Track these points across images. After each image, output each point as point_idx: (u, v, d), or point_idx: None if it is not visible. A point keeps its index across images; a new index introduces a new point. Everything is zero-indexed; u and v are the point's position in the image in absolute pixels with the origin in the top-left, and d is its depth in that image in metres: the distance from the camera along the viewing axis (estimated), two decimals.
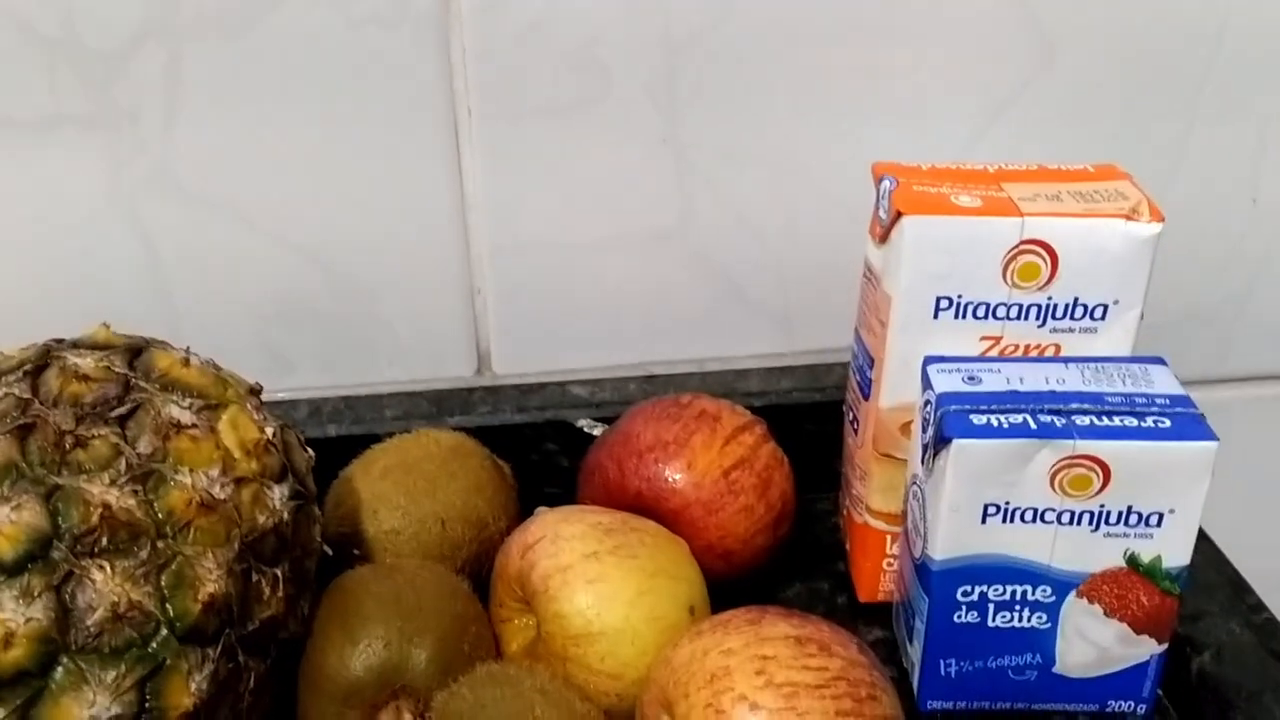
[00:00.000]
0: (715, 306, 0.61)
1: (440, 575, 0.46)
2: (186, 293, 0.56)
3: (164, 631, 0.36)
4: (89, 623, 0.35)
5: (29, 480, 0.37)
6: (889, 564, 0.52)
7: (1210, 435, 0.41)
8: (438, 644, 0.42)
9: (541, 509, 0.48)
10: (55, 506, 0.36)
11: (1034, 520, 0.43)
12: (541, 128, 0.55)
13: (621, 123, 0.56)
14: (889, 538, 0.51)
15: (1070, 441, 0.41)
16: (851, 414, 0.53)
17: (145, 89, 0.52)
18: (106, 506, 0.37)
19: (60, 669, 0.35)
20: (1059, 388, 0.44)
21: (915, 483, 0.46)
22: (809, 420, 0.58)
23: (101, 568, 0.36)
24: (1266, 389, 0.67)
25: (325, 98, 0.53)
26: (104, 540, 0.36)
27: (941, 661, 0.46)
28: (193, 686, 0.37)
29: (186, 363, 0.43)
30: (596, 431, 0.58)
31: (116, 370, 0.41)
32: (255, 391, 0.45)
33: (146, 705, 0.36)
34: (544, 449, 0.58)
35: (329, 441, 0.55)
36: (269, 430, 0.43)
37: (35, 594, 0.35)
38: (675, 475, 0.49)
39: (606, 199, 0.58)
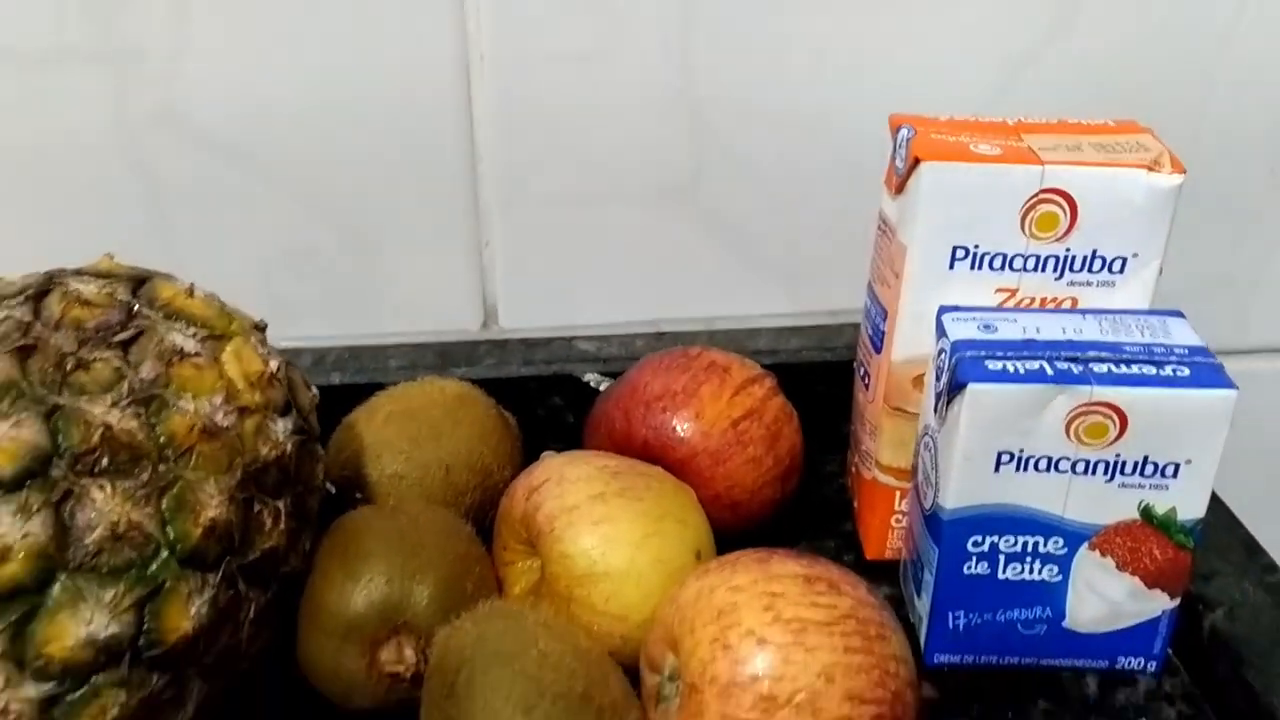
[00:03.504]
0: (725, 265, 0.60)
1: (443, 516, 0.45)
2: (189, 235, 0.56)
3: (164, 554, 0.36)
4: (88, 541, 0.35)
5: (29, 399, 0.36)
6: (897, 520, 0.51)
7: (1229, 384, 0.41)
8: (440, 583, 0.42)
9: (548, 453, 0.48)
10: (55, 425, 0.36)
11: (1048, 469, 0.42)
12: (554, 77, 0.55)
13: (636, 76, 0.55)
14: (898, 494, 0.51)
15: (1087, 388, 0.41)
16: (863, 369, 0.52)
17: (152, 23, 0.51)
18: (107, 427, 0.36)
19: (58, 586, 0.34)
20: (1076, 337, 0.43)
21: (927, 433, 0.45)
22: (819, 381, 0.58)
23: (102, 487, 0.35)
24: None
25: (335, 39, 0.53)
26: (104, 461, 0.36)
27: (950, 614, 0.45)
28: (192, 610, 0.36)
29: (190, 294, 0.42)
30: (603, 387, 0.57)
31: (119, 298, 0.41)
32: (260, 328, 0.44)
33: (145, 627, 0.35)
34: (550, 403, 0.58)
35: (333, 389, 0.55)
36: (273, 364, 0.42)
37: (33, 510, 0.34)
38: (683, 425, 0.49)
39: (618, 153, 0.57)
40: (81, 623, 0.34)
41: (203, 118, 0.54)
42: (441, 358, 0.58)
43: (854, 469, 0.54)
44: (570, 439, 0.55)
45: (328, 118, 0.54)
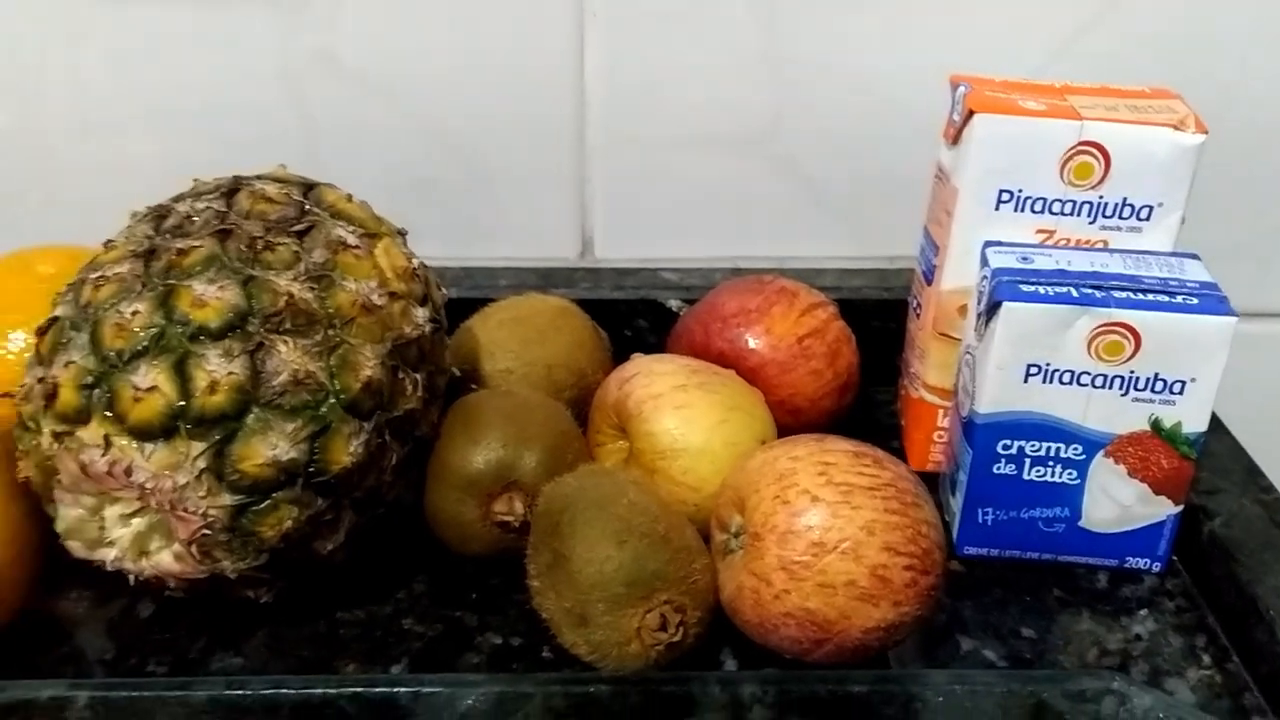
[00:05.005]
0: (797, 209, 0.67)
1: (547, 401, 0.53)
2: (332, 163, 0.64)
3: (331, 400, 0.44)
4: (274, 383, 0.43)
5: (229, 270, 0.45)
6: (939, 436, 0.58)
7: (1230, 312, 0.47)
8: (544, 451, 0.50)
9: (636, 354, 0.55)
10: (250, 291, 0.44)
11: (1071, 382, 0.49)
12: (654, 34, 0.62)
13: (725, 35, 0.62)
14: (940, 411, 0.58)
15: (1107, 310, 0.47)
16: (915, 301, 0.59)
17: None
18: (290, 296, 0.44)
19: (251, 415, 0.43)
20: (1102, 269, 0.49)
21: (968, 351, 0.52)
22: (876, 316, 0.64)
23: (285, 342, 0.44)
24: None
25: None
26: (287, 323, 0.44)
27: (979, 510, 0.52)
28: (351, 448, 0.44)
29: (349, 199, 0.51)
30: (683, 312, 0.65)
31: (294, 197, 0.49)
32: (402, 233, 0.52)
33: (314, 456, 0.44)
34: (635, 325, 0.65)
35: (450, 302, 0.63)
36: (414, 261, 0.51)
37: (234, 355, 0.43)
38: (755, 338, 0.56)
39: (706, 104, 0.64)
40: (269, 446, 0.43)
41: (353, 59, 0.62)
42: (543, 280, 0.65)
43: (903, 391, 0.61)
44: None
45: (457, 64, 0.62)
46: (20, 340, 0.52)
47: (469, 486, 0.49)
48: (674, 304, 0.65)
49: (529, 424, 0.50)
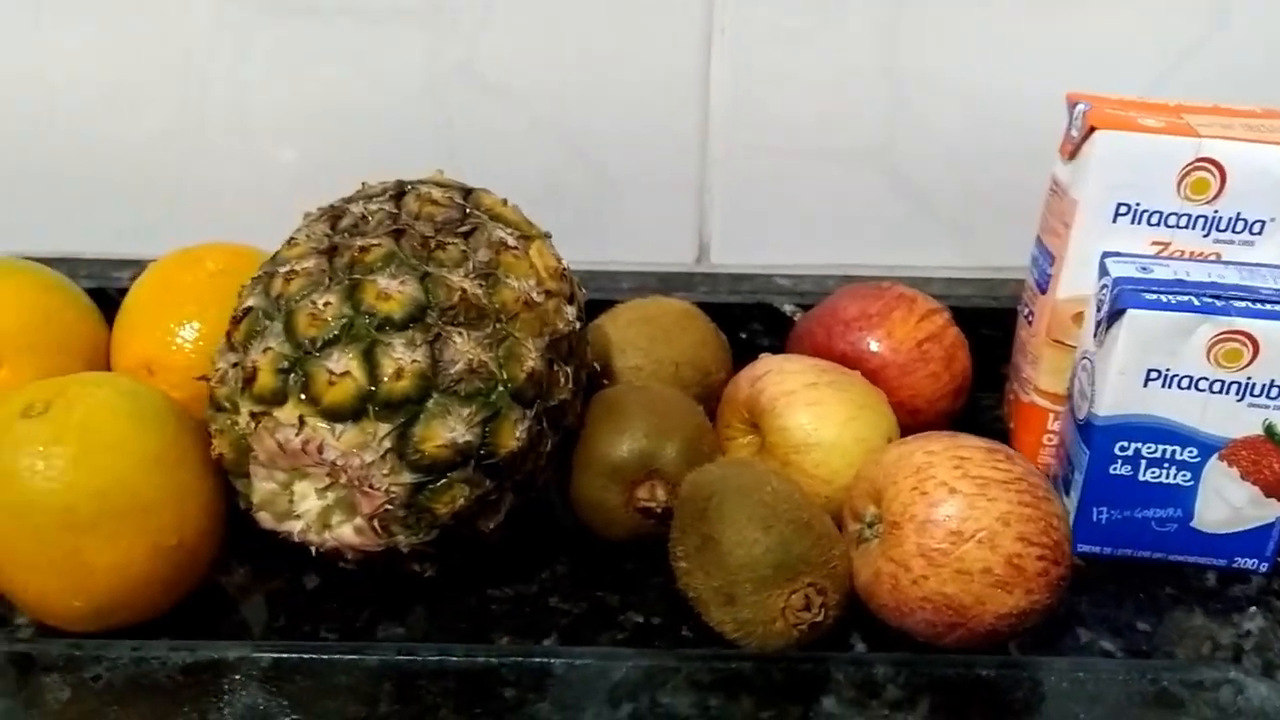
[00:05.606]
0: (906, 220, 0.70)
1: (682, 396, 0.56)
2: (473, 171, 0.68)
3: (500, 388, 0.48)
4: (451, 372, 0.47)
5: (407, 266, 0.48)
6: (1048, 439, 0.61)
7: None
8: (683, 442, 0.53)
9: (764, 354, 0.58)
10: (426, 286, 0.48)
11: (1189, 387, 0.51)
12: (778, 50, 0.65)
13: (846, 51, 0.65)
14: (1051, 415, 0.60)
15: (1228, 318, 0.50)
16: (1027, 309, 0.61)
17: None
18: (463, 291, 0.48)
19: (432, 400, 0.46)
20: (1220, 280, 0.52)
21: (1085, 357, 0.55)
22: (984, 324, 0.67)
23: (460, 334, 0.47)
24: None
25: (604, 10, 0.64)
26: (461, 316, 0.48)
27: (1095, 509, 0.55)
28: (517, 433, 0.48)
29: (504, 203, 0.54)
30: (796, 316, 0.68)
31: (456, 200, 0.53)
32: (547, 236, 0.56)
33: (485, 440, 0.47)
34: (750, 328, 0.68)
35: None
36: (564, 263, 0.54)
37: (416, 344, 0.46)
38: (876, 342, 0.59)
39: (824, 118, 0.67)
40: (447, 429, 0.46)
41: (493, 72, 0.66)
42: (663, 283, 0.69)
43: (1012, 396, 0.64)
44: None
45: (589, 77, 0.66)
46: (194, 330, 0.56)
47: (613, 474, 0.52)
48: (788, 308, 0.68)
49: (669, 416, 0.54)
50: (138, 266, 0.66)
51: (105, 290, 0.62)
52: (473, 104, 0.67)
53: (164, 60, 0.66)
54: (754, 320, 0.68)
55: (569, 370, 0.52)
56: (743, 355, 0.66)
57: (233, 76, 0.67)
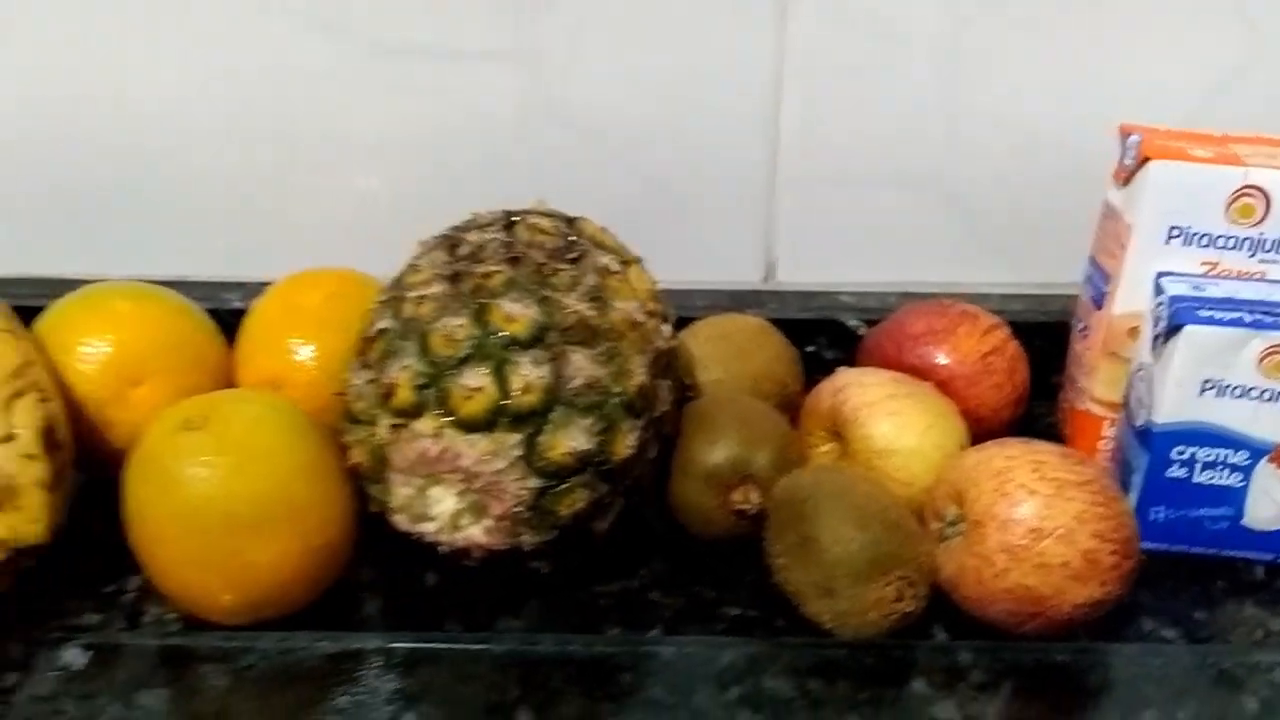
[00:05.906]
0: (961, 241, 0.74)
1: (769, 407, 0.61)
2: (558, 200, 0.72)
3: (614, 401, 0.52)
4: (571, 387, 0.51)
5: (526, 291, 0.53)
6: (1103, 444, 0.65)
7: None
8: (774, 449, 0.57)
9: (841, 368, 0.63)
10: (546, 309, 0.52)
11: (1241, 396, 0.56)
12: (845, 85, 0.70)
13: (906, 86, 0.70)
14: (1106, 422, 0.64)
15: (1277, 332, 0.54)
16: (1081, 324, 0.66)
17: (558, 31, 0.68)
18: (579, 313, 0.52)
19: (556, 412, 0.50)
20: (1268, 298, 0.56)
21: (1142, 369, 0.59)
22: (1036, 337, 0.71)
23: (578, 352, 0.52)
24: None
25: (683, 47, 0.69)
26: (578, 336, 0.52)
27: (1152, 508, 0.59)
28: (629, 442, 0.52)
29: (604, 231, 0.59)
30: (861, 331, 0.72)
31: (562, 229, 0.57)
32: (640, 260, 0.60)
33: (601, 449, 0.51)
34: (816, 341, 0.73)
35: None
36: (659, 285, 0.59)
37: (541, 362, 0.51)
38: (943, 355, 0.63)
39: (884, 146, 0.72)
40: (569, 439, 0.50)
41: (575, 105, 0.71)
42: (734, 301, 0.73)
43: (1067, 405, 0.68)
44: (831, 372, 0.70)
45: (666, 109, 0.71)
46: (312, 349, 0.60)
47: (710, 478, 0.57)
48: (853, 323, 0.72)
49: (759, 425, 0.58)
50: (245, 289, 0.71)
51: (218, 311, 0.66)
52: (553, 134, 0.71)
53: (271, 96, 0.71)
54: (820, 335, 0.73)
55: (668, 384, 0.56)
56: (810, 368, 0.70)
57: (334, 112, 0.71)
